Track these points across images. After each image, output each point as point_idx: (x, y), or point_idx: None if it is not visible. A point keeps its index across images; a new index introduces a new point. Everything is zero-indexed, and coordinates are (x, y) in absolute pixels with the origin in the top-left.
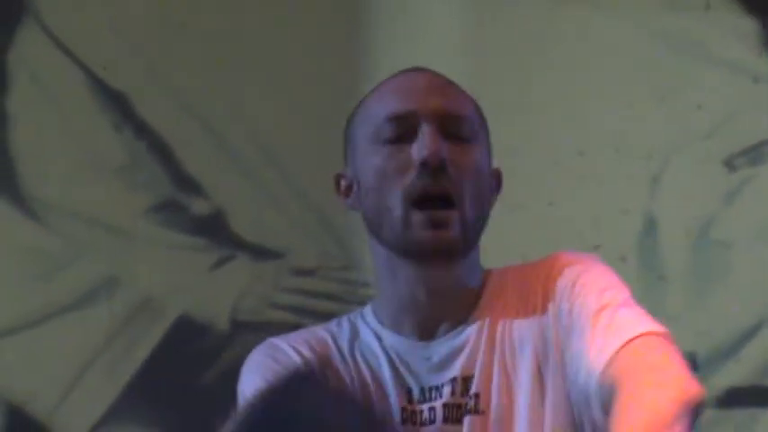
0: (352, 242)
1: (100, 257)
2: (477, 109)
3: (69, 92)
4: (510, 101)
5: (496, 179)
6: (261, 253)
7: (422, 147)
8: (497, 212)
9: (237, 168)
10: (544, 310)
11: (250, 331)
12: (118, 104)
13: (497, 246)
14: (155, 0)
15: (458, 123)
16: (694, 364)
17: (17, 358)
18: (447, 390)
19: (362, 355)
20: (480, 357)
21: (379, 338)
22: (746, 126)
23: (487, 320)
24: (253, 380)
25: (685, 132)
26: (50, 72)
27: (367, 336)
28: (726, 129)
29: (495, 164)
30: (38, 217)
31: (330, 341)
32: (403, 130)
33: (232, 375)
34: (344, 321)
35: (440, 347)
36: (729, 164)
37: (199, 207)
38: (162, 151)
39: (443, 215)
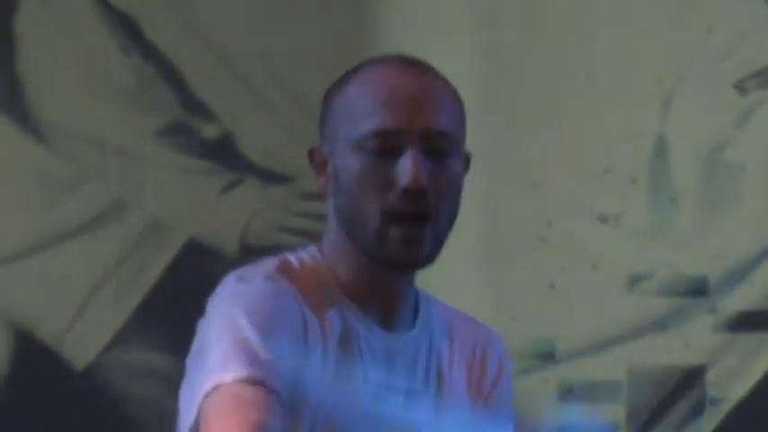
0: None
1: (108, 181)
2: (460, 107)
3: (77, 13)
4: (519, 23)
5: (465, 163)
6: (270, 177)
7: (405, 173)
8: (507, 134)
9: (246, 92)
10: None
11: (259, 255)
12: (126, 27)
13: (508, 168)
14: None
15: (441, 141)
16: (705, 287)
17: (25, 283)
18: (402, 385)
19: (331, 321)
20: (424, 372)
21: (344, 308)
22: (758, 48)
23: (446, 350)
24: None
25: (696, 55)
26: None
27: (333, 298)
28: (737, 51)
29: (506, 87)
30: (45, 140)
31: (299, 297)
32: (387, 145)
33: None
34: (302, 270)
35: (397, 343)
36: (740, 86)
37: (208, 130)
38: (170, 74)
39: (418, 232)
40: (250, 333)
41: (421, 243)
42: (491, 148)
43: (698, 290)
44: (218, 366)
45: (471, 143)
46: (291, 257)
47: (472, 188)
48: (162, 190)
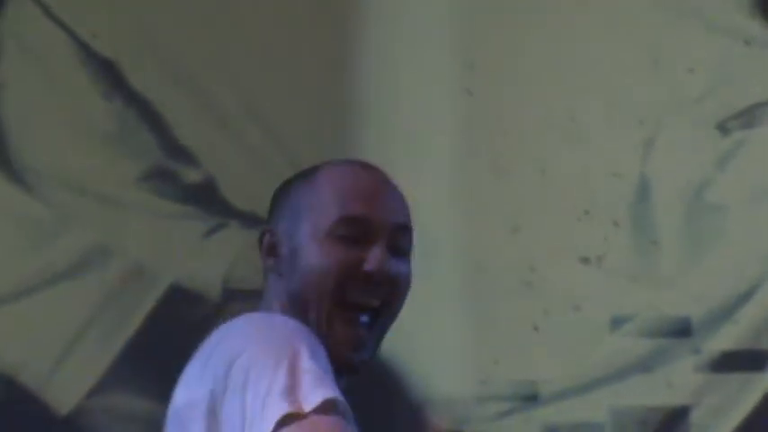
0: None
1: (90, 226)
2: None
3: (59, 60)
4: (500, 65)
5: None
6: (253, 220)
7: (373, 258)
8: (488, 177)
9: (228, 136)
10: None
11: (242, 299)
12: (107, 72)
13: (487, 211)
14: None
15: (403, 236)
16: (689, 328)
17: (8, 328)
18: None
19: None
20: None
21: None
22: (739, 89)
23: None
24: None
25: (678, 96)
26: (39, 40)
27: None
28: (718, 92)
29: (488, 129)
30: (28, 186)
31: None
32: (356, 233)
33: None
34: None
35: None
36: (722, 127)
37: (189, 175)
38: (152, 119)
39: (364, 335)
40: (312, 364)
41: (364, 348)
42: (472, 191)
43: (681, 330)
44: (290, 393)
45: (452, 186)
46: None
47: (453, 230)
48: (144, 235)
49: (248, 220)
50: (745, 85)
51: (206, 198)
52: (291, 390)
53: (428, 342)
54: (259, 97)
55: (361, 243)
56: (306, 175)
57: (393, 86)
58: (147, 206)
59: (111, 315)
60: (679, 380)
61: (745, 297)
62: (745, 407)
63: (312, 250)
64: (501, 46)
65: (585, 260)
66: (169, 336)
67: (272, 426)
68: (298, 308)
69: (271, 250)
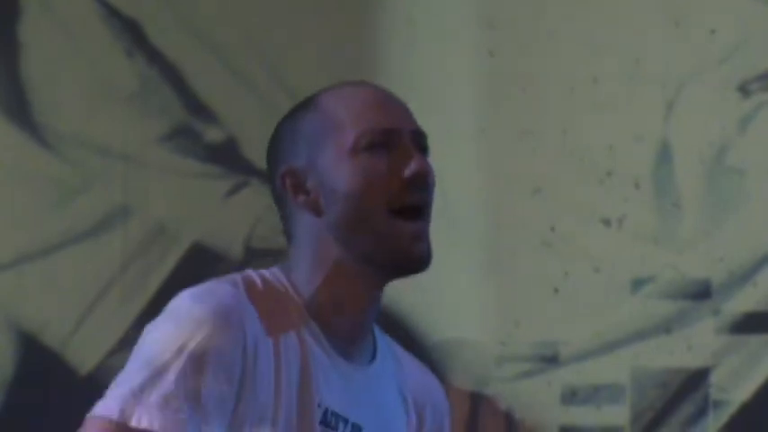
0: None
1: (113, 186)
2: None
3: (80, 19)
4: (524, 28)
5: None
6: None
7: (411, 163)
8: (510, 139)
9: (250, 95)
10: None
11: (264, 258)
12: (129, 31)
13: (508, 173)
14: None
15: (424, 140)
16: (709, 290)
17: (30, 288)
18: (342, 427)
19: (287, 345)
20: (374, 409)
21: (305, 331)
22: (761, 51)
23: (395, 386)
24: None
25: (699, 58)
26: (62, 0)
27: (294, 321)
28: (740, 54)
29: (509, 91)
30: (50, 145)
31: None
32: (383, 142)
33: None
34: (268, 289)
35: (355, 374)
36: (743, 89)
37: (211, 134)
38: (174, 78)
39: (423, 228)
40: (171, 386)
41: (426, 240)
42: (494, 153)
43: (701, 293)
44: (121, 392)
45: (474, 148)
46: (254, 275)
47: (475, 192)
48: (166, 194)
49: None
50: (766, 47)
51: (228, 157)
52: (133, 395)
53: (449, 303)
54: (282, 57)
55: (388, 151)
56: (306, 106)
57: (414, 47)
58: (169, 165)
59: (132, 274)
60: (699, 342)
61: (765, 260)
62: (764, 368)
63: (345, 170)
64: (522, 7)
65: (606, 222)
66: None
67: (92, 415)
68: (349, 234)
69: (297, 190)
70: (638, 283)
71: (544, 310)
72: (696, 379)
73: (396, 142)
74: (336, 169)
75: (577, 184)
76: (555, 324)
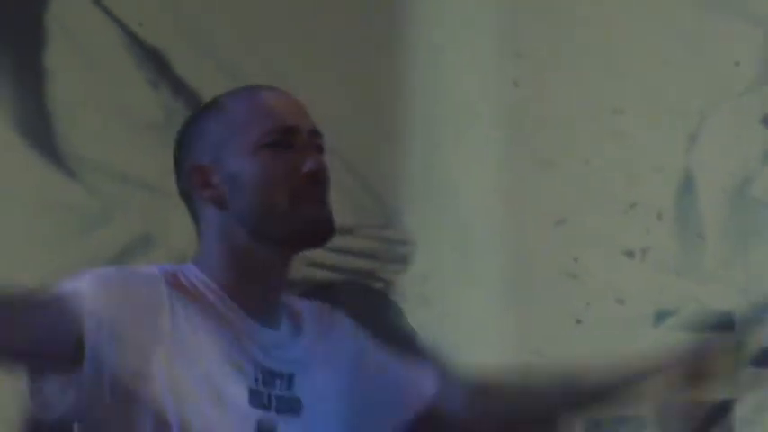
0: (390, 200)
1: (135, 215)
2: None
3: (105, 48)
4: (545, 57)
5: None
6: None
7: (308, 160)
8: (533, 169)
9: None
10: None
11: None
12: (154, 61)
13: (531, 203)
14: None
15: (321, 138)
16: (732, 322)
17: None
18: (278, 381)
19: (203, 317)
20: (300, 359)
21: (219, 304)
22: None
23: (308, 331)
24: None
25: (722, 89)
26: (87, 29)
27: (209, 297)
28: (763, 85)
29: (533, 120)
30: (73, 174)
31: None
32: (284, 140)
33: None
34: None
35: (273, 336)
36: (766, 121)
37: None
38: (197, 108)
39: (324, 209)
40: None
41: (330, 218)
42: (517, 183)
43: (724, 325)
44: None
45: (497, 177)
46: (167, 266)
47: (498, 223)
48: (188, 224)
49: None
50: None
51: None
52: None
53: (471, 333)
54: (305, 90)
55: (288, 148)
56: (210, 108)
57: (439, 77)
58: None
59: None
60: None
61: None
62: None
63: (249, 165)
64: (547, 38)
65: (629, 253)
66: None
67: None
68: (256, 220)
69: (204, 185)
70: (661, 315)
71: (566, 342)
72: (720, 411)
73: (295, 140)
74: (241, 165)
75: (600, 214)
76: (577, 355)
